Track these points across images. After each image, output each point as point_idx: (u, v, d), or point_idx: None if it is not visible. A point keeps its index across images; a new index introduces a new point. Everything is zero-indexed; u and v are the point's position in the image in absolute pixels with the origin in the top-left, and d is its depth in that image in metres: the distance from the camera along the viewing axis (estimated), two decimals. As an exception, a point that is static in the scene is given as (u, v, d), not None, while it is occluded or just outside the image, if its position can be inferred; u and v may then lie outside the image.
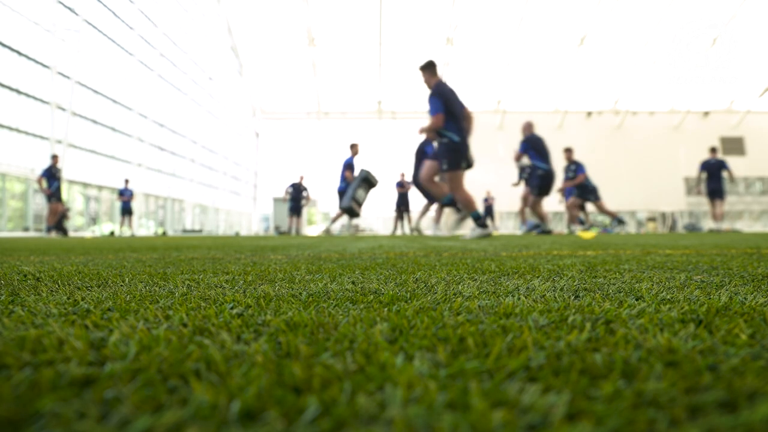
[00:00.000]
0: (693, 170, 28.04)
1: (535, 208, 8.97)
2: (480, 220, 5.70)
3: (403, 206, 12.73)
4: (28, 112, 14.11)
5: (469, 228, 10.87)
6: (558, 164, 13.36)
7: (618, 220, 10.98)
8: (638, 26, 26.22)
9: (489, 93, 29.43)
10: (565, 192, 13.09)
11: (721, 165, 11.95)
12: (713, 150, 12.32)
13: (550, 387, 0.42)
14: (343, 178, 10.70)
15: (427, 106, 5.88)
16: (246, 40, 27.71)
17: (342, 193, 10.73)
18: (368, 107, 30.73)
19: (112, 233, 15.95)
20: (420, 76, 6.10)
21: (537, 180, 8.95)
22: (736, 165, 27.19)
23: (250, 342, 0.59)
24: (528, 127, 9.17)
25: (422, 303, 0.87)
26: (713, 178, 11.97)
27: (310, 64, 27.90)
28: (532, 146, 9.07)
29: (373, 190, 10.96)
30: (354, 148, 10.87)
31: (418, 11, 25.28)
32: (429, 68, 5.98)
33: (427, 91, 5.95)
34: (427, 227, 15.89)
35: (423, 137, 8.57)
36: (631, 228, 28.56)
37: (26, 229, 14.42)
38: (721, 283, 1.16)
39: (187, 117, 24.16)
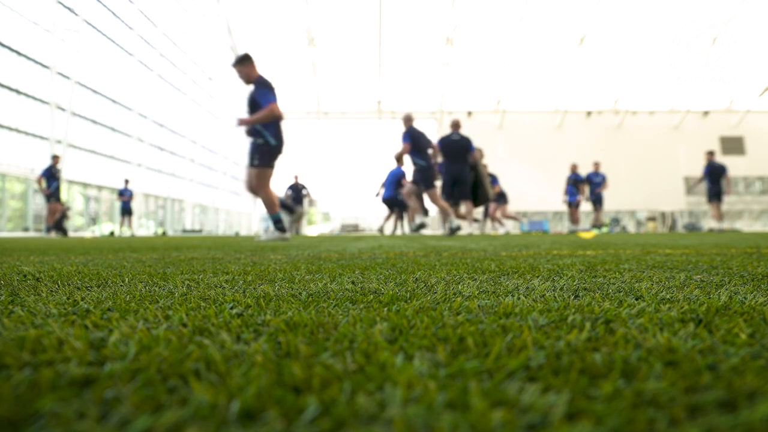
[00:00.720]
0: (693, 170, 28.11)
1: (435, 201, 8.61)
2: (280, 224, 5.60)
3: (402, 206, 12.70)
4: (28, 112, 14.10)
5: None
6: (561, 173, 13.34)
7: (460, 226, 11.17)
8: (638, 26, 26.22)
9: (489, 93, 29.42)
10: (567, 192, 13.27)
11: (723, 170, 12.34)
12: (712, 153, 12.57)
13: (549, 387, 0.42)
14: (394, 188, 10.87)
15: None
16: (246, 40, 27.70)
17: (388, 201, 11.03)
18: (368, 107, 30.72)
19: (111, 233, 15.96)
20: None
21: (419, 175, 8.57)
22: (736, 165, 27.22)
23: (250, 342, 0.59)
24: (408, 120, 8.72)
25: (422, 303, 0.87)
26: (715, 181, 12.22)
27: (309, 64, 27.89)
28: (412, 139, 8.62)
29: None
30: (400, 160, 10.95)
31: (418, 11, 25.27)
32: (247, 61, 5.58)
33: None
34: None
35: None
36: (630, 228, 28.55)
37: (26, 229, 14.41)
38: (721, 282, 1.16)
39: (187, 117, 24.15)
